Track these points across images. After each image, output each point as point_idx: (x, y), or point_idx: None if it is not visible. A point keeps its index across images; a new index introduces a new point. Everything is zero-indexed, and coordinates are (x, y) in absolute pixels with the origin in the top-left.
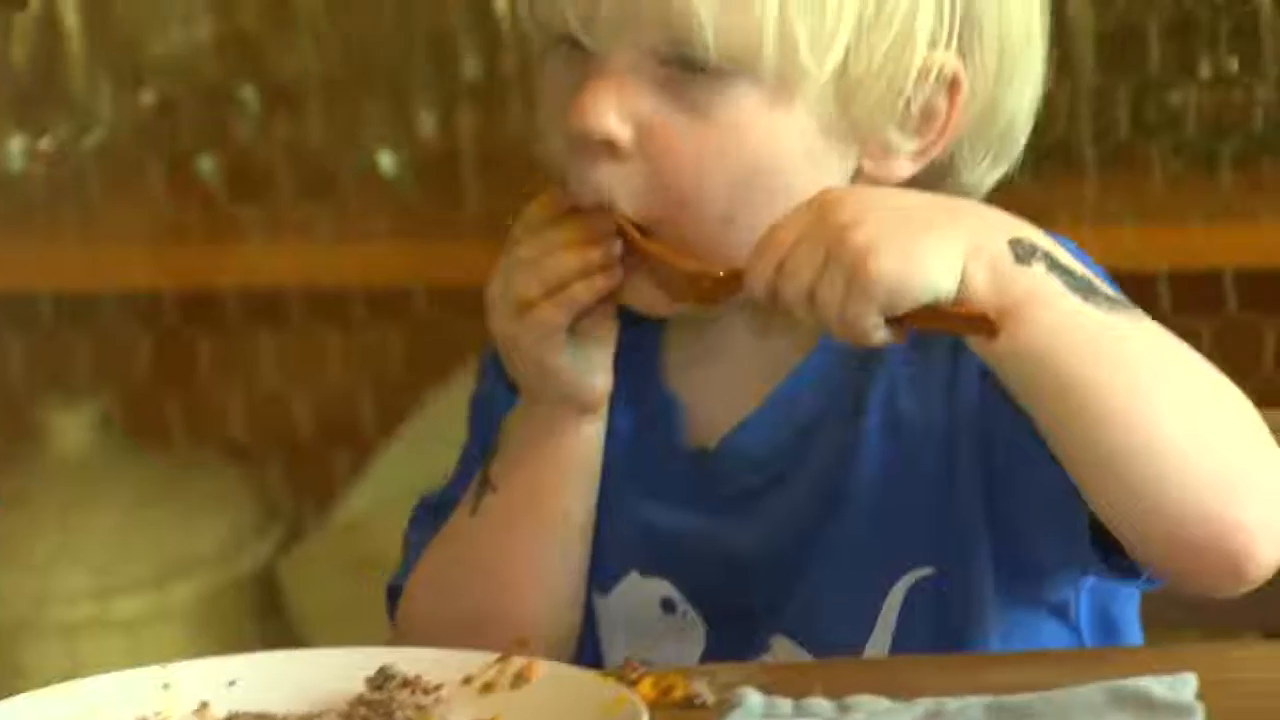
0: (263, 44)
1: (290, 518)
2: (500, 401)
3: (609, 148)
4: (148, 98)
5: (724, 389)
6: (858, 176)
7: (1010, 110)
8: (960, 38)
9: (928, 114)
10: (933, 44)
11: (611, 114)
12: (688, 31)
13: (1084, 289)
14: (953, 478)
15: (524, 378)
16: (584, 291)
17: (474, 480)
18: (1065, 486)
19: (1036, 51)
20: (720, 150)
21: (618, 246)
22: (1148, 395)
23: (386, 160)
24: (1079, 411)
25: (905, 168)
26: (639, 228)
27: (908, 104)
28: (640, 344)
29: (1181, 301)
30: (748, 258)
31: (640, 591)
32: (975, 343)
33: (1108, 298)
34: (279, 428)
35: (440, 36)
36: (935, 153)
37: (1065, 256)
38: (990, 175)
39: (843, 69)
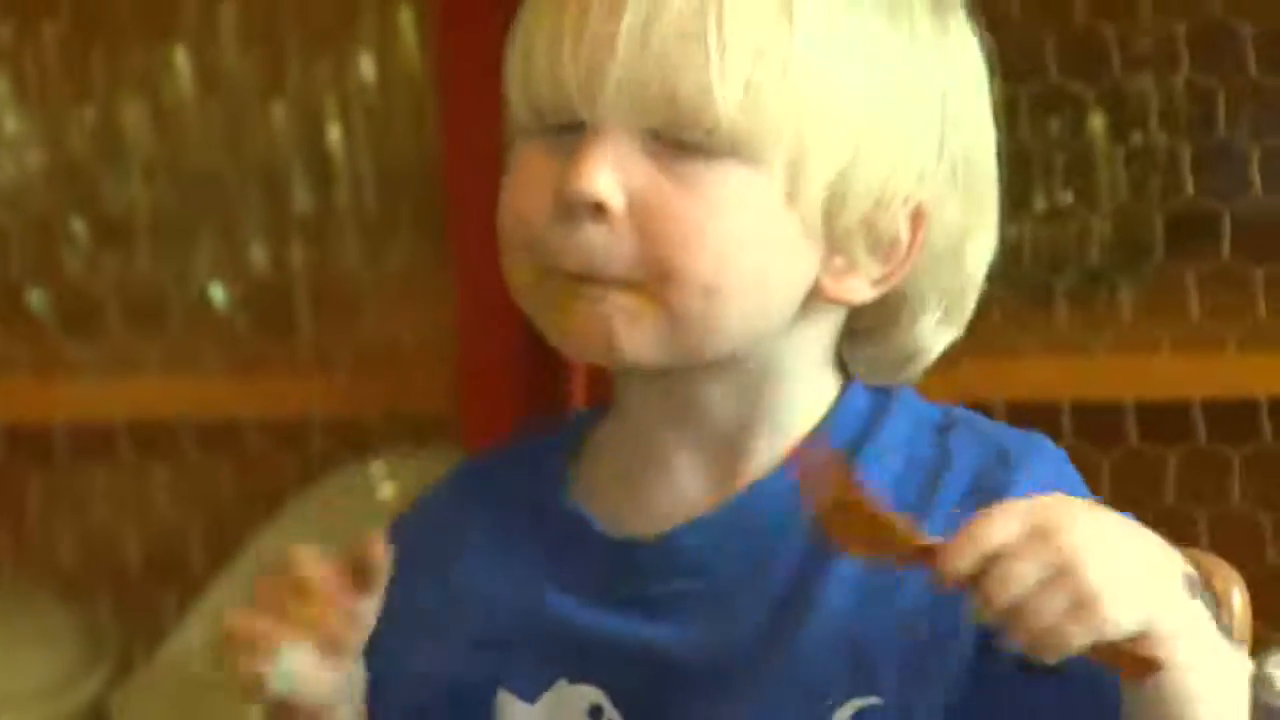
0: (93, 176)
1: (119, 653)
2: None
3: (599, 212)
4: None
5: (654, 494)
6: (815, 292)
7: (970, 263)
8: (942, 179)
9: (894, 242)
10: (920, 179)
11: (607, 179)
12: (697, 118)
13: (1214, 610)
14: (917, 619)
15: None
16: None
17: None
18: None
19: (994, 212)
20: (707, 220)
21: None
22: None
23: (218, 293)
24: None
25: (863, 291)
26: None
27: (883, 230)
28: (541, 472)
29: None
30: (950, 543)
31: (569, 699)
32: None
33: (1218, 619)
34: (108, 562)
35: (272, 169)
36: (894, 282)
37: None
38: (940, 336)
39: (835, 182)
